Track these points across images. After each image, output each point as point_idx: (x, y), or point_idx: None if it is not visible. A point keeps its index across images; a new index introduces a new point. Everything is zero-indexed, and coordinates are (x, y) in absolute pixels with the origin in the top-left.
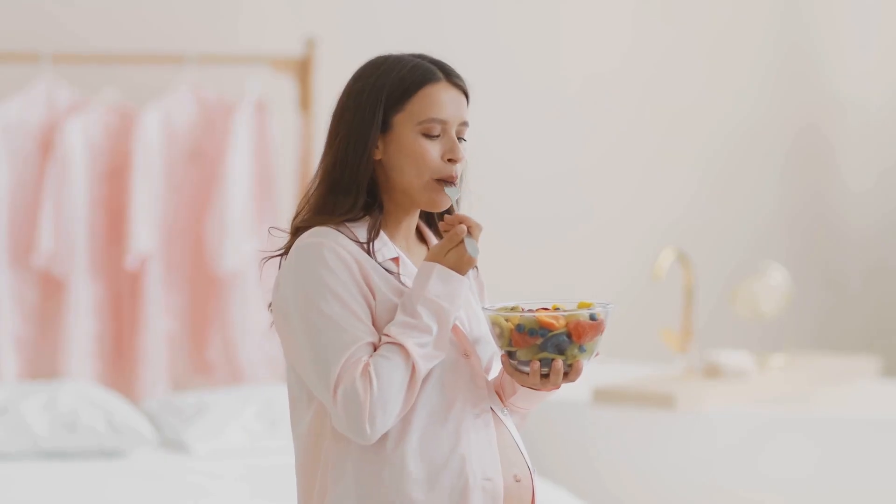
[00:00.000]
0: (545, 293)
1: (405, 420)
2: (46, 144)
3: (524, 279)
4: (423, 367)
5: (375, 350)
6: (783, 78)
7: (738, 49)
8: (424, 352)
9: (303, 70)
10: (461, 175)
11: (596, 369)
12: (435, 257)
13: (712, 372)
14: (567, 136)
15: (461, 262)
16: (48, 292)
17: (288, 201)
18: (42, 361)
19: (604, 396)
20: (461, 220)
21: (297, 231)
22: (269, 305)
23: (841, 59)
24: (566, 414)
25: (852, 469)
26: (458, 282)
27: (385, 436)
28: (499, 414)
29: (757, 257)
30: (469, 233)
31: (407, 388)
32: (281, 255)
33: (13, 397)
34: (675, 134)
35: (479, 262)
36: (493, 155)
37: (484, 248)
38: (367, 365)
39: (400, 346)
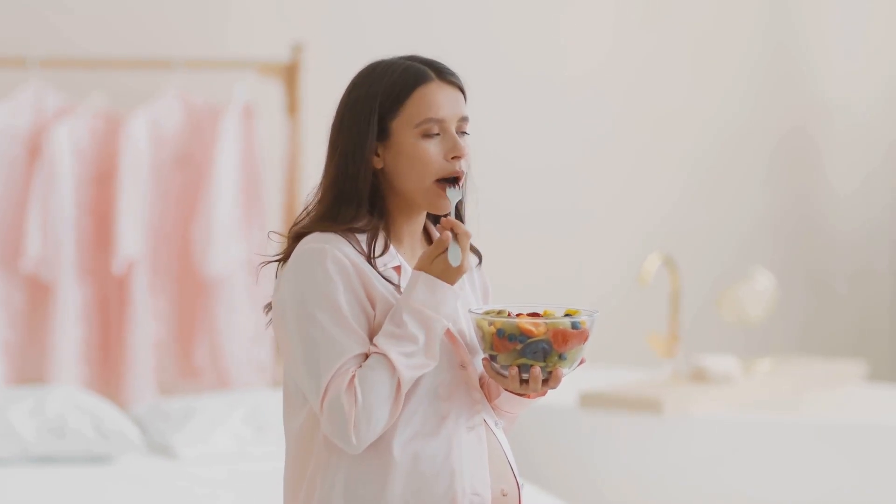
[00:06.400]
0: (533, 297)
1: (399, 431)
2: (34, 149)
3: (512, 283)
4: (407, 377)
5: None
6: (769, 80)
7: (724, 51)
8: (411, 362)
9: (290, 75)
10: (465, 175)
11: (582, 374)
12: (422, 265)
13: (699, 376)
14: (552, 139)
15: (448, 271)
16: (35, 297)
17: (275, 206)
18: (29, 366)
19: (591, 401)
20: (451, 226)
21: (297, 237)
22: (267, 305)
23: (827, 61)
24: (553, 419)
25: (839, 473)
26: (444, 290)
27: (378, 445)
28: (491, 426)
29: (743, 261)
30: (456, 240)
31: (393, 399)
32: (279, 260)
33: (0, 403)
34: (660, 137)
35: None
36: (477, 159)
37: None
38: (353, 377)
39: (385, 356)
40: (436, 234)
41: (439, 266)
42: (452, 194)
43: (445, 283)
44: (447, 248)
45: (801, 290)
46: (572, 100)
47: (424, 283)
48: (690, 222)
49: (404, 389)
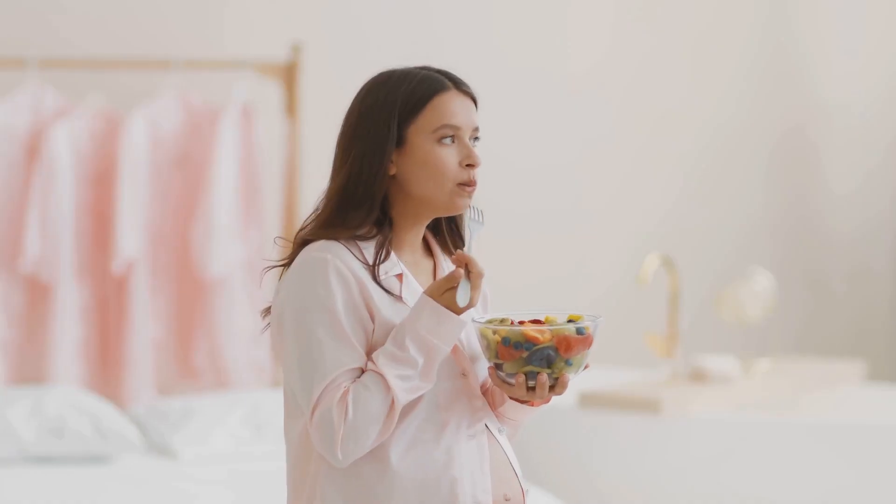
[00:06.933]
0: (530, 298)
1: (397, 440)
2: (32, 150)
3: (508, 284)
4: (402, 400)
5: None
6: (767, 80)
7: (723, 51)
8: (407, 385)
9: (288, 75)
10: (481, 212)
11: (581, 374)
12: (432, 293)
13: (698, 376)
14: (550, 138)
15: (455, 305)
16: (34, 297)
17: (274, 206)
18: (28, 366)
19: (589, 402)
20: (465, 262)
21: (303, 243)
22: (265, 310)
23: (825, 61)
24: (552, 419)
25: (838, 473)
26: (451, 321)
27: (376, 454)
28: (493, 432)
29: (741, 260)
30: (468, 278)
31: (384, 420)
32: (283, 265)
33: None
34: (658, 137)
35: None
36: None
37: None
38: (346, 392)
39: (381, 376)
40: (435, 245)
41: (448, 299)
42: (475, 226)
43: (452, 314)
44: (458, 285)
45: (799, 291)
46: (571, 99)
47: (432, 312)
48: (689, 222)
49: (397, 410)
